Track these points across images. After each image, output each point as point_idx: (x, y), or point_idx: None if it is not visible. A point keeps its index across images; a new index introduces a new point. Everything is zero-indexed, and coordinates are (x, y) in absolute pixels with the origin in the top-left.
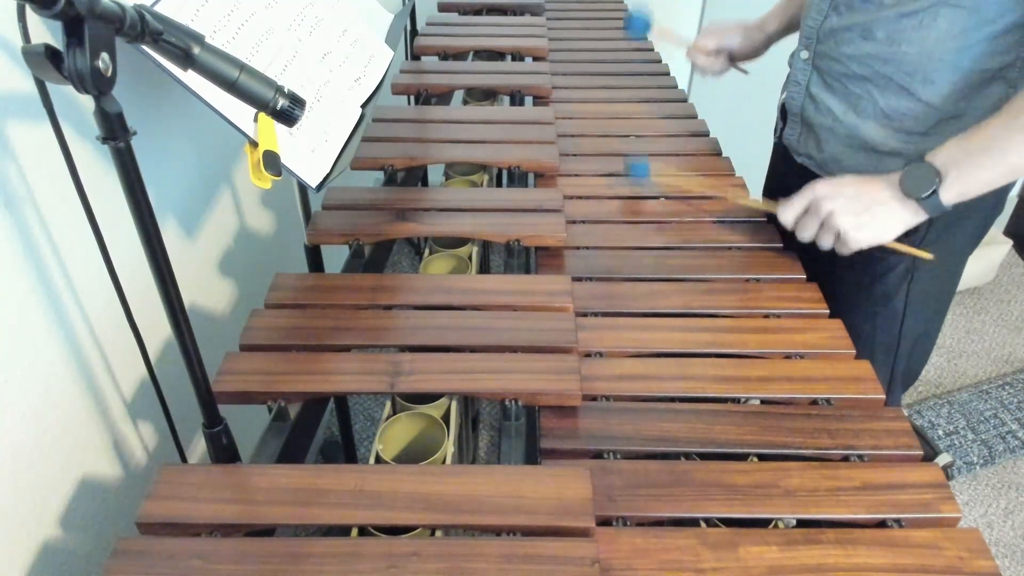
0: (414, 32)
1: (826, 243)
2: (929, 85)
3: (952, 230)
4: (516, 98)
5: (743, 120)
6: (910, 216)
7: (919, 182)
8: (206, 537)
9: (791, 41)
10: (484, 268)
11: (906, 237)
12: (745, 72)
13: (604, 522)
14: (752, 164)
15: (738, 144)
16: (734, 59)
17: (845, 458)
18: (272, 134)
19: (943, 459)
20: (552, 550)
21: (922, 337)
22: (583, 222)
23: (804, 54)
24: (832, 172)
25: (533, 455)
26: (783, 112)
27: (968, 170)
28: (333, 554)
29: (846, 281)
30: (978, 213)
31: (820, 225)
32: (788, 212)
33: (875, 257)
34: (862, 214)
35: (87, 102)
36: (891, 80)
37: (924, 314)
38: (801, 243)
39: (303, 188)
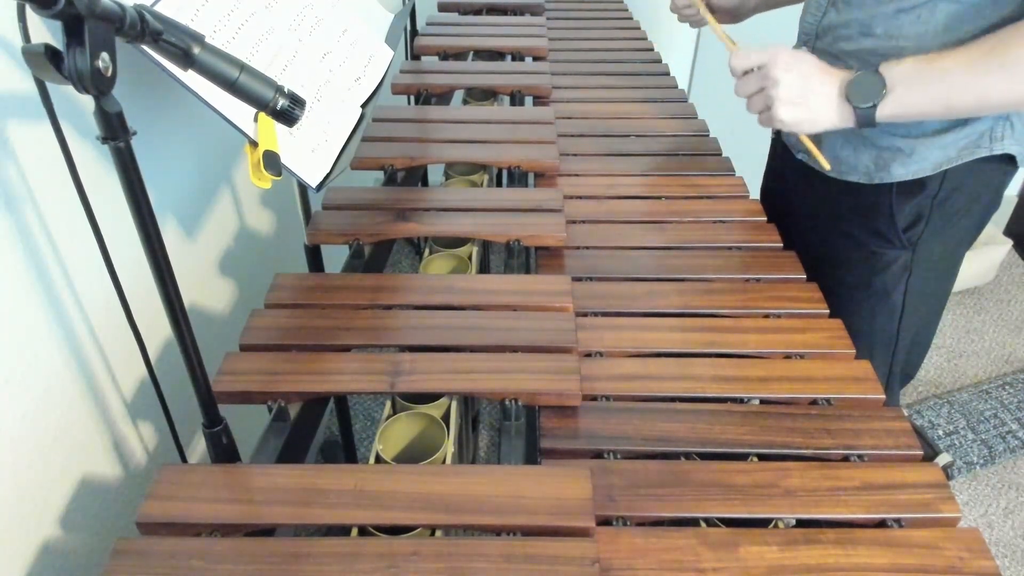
0: (414, 32)
1: (754, 107)
2: None
3: (950, 226)
4: (516, 98)
5: (743, 120)
6: (839, 119)
7: (865, 91)
8: (206, 537)
9: (787, 38)
10: (484, 268)
11: (904, 233)
12: (733, 44)
13: (604, 522)
14: (752, 164)
15: (738, 144)
16: (714, 13)
17: (845, 458)
18: (272, 134)
19: (943, 459)
20: (552, 550)
21: (920, 333)
22: (583, 222)
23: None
24: (832, 167)
25: (533, 455)
26: None
27: (912, 94)
28: (333, 554)
29: (845, 277)
30: (976, 209)
31: (760, 88)
32: (740, 60)
33: (874, 253)
34: (799, 97)
35: (87, 102)
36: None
37: (922, 310)
38: (803, 242)
39: (303, 188)
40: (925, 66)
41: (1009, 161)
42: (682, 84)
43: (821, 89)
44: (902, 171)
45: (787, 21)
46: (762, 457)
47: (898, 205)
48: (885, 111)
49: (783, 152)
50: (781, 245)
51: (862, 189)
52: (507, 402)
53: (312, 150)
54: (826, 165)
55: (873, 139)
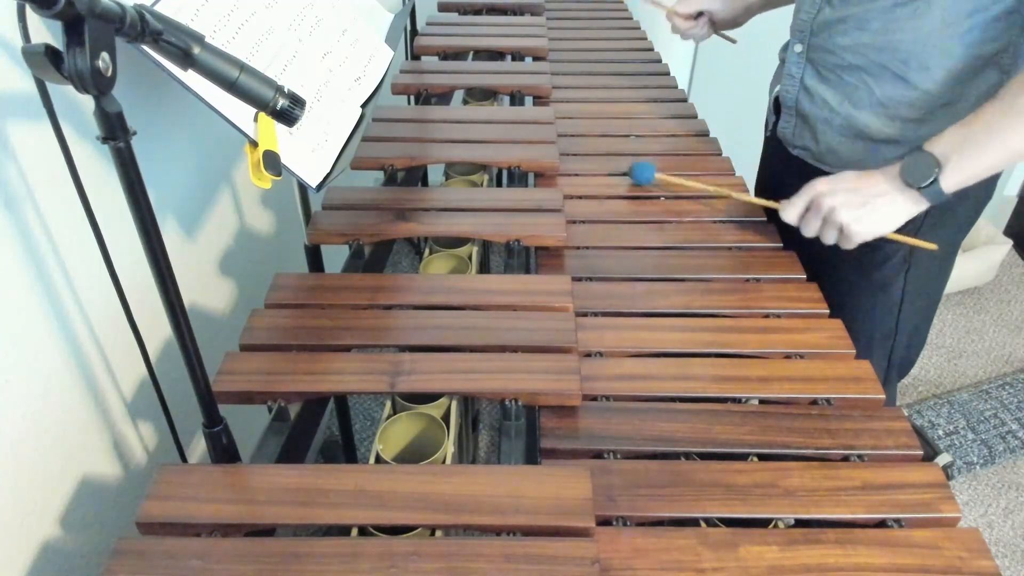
0: (414, 32)
1: (830, 239)
2: (924, 72)
3: (946, 219)
4: (516, 98)
5: (743, 120)
6: (911, 205)
7: (919, 172)
8: (206, 537)
9: (784, 35)
10: (484, 268)
11: (904, 226)
12: (733, 41)
13: (604, 522)
14: (752, 164)
15: (738, 143)
16: (716, 25)
17: (845, 458)
18: (272, 134)
19: (943, 459)
20: (552, 550)
21: (918, 327)
22: (583, 222)
23: (798, 47)
24: (828, 163)
25: (533, 455)
26: (776, 105)
27: (968, 157)
28: (333, 554)
29: (846, 271)
30: (970, 201)
31: (823, 221)
32: (791, 211)
33: (873, 246)
34: (862, 207)
35: (87, 102)
36: (886, 69)
37: (920, 303)
38: (800, 237)
39: (303, 188)
40: (969, 129)
41: None
42: (682, 84)
43: (876, 189)
44: None
45: (781, 16)
46: (762, 457)
47: None
48: (950, 182)
49: (777, 147)
50: (781, 245)
51: None
52: (507, 402)
53: (312, 150)
54: (932, 247)
55: (872, 133)
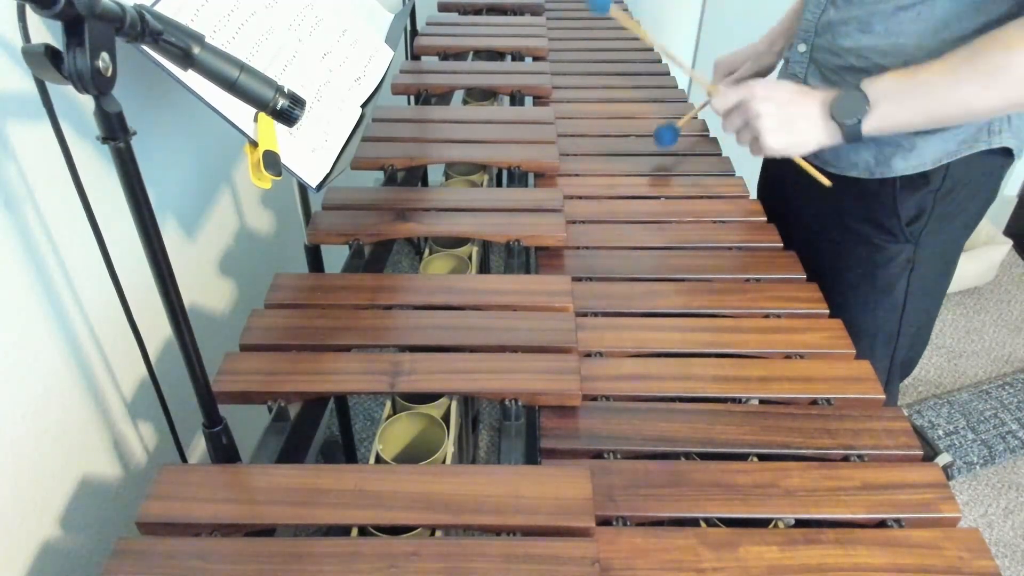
0: (414, 32)
1: (743, 140)
2: None
3: (951, 219)
4: (516, 98)
5: None
6: (827, 137)
7: (849, 108)
8: (206, 537)
9: None
10: (484, 268)
11: (907, 227)
12: None
13: (604, 522)
14: (752, 164)
15: (738, 144)
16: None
17: (845, 458)
18: (272, 134)
19: (943, 459)
20: (552, 550)
21: (921, 328)
22: (583, 222)
23: (802, 47)
24: (831, 163)
25: (533, 455)
26: None
27: (896, 108)
28: (333, 554)
29: (847, 273)
30: (976, 202)
31: (744, 123)
32: (721, 101)
33: (877, 248)
34: (785, 124)
35: (87, 102)
36: (889, 71)
37: (923, 303)
38: (800, 237)
39: (303, 188)
40: (907, 80)
41: (1006, 154)
42: (682, 84)
43: (803, 111)
44: (903, 165)
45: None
46: (762, 457)
47: (901, 199)
48: (871, 125)
49: None
50: (781, 245)
51: (865, 184)
52: (507, 402)
53: (312, 150)
54: (826, 182)
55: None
